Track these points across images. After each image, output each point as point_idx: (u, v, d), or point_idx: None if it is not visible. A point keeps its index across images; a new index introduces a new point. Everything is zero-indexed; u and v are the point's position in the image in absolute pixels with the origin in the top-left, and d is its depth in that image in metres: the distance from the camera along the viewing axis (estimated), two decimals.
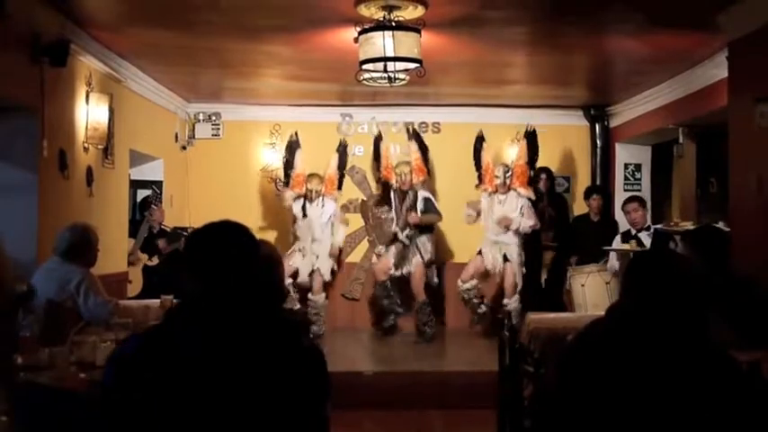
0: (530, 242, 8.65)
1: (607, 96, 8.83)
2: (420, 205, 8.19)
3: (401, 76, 5.78)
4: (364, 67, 5.49)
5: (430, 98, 8.75)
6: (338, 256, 8.76)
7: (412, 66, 5.48)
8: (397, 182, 8.34)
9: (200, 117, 9.25)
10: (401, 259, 8.24)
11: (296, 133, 8.49)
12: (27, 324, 3.90)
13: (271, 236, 8.75)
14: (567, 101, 9.01)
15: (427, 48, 5.52)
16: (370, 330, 8.70)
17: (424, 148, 8.63)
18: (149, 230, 7.47)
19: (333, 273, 8.51)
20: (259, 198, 9.29)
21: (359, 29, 5.31)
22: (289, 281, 7.87)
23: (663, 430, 2.05)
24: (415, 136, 8.72)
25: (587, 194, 8.47)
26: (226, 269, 2.07)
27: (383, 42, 5.21)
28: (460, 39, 6.02)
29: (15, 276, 4.10)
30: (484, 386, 5.43)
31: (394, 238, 8.36)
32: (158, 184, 8.26)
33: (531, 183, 8.61)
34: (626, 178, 9.35)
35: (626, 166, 9.36)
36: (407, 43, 5.27)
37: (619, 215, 8.91)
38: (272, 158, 9.30)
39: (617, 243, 7.26)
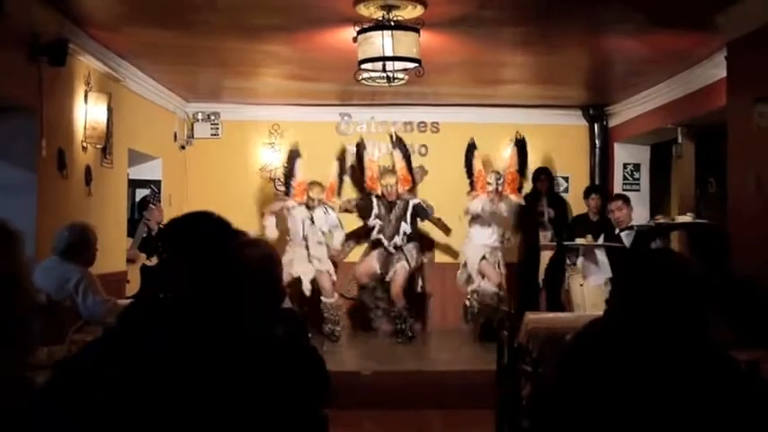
0: (528, 242, 8.67)
1: (606, 96, 8.82)
2: (410, 215, 8.19)
3: (400, 75, 5.79)
4: (363, 66, 5.48)
5: (429, 98, 8.74)
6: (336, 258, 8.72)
7: (411, 65, 5.48)
8: (383, 193, 8.26)
9: (199, 117, 9.24)
10: (386, 263, 8.20)
11: (296, 143, 8.38)
12: None
13: None
14: (566, 101, 9.00)
15: (426, 47, 5.52)
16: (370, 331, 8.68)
17: (407, 156, 8.65)
18: (148, 230, 7.46)
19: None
20: (258, 198, 9.27)
21: (358, 28, 5.30)
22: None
23: (661, 430, 2.04)
24: (399, 144, 8.68)
25: (586, 194, 8.44)
26: (198, 258, 2.01)
27: (382, 42, 5.20)
28: (460, 38, 6.02)
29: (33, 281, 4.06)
30: (482, 386, 5.43)
31: (377, 244, 8.31)
32: (157, 183, 8.26)
33: (532, 182, 8.68)
34: (625, 178, 9.34)
35: (625, 165, 9.36)
36: (406, 43, 5.26)
37: None
38: (271, 158, 9.29)
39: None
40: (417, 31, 5.30)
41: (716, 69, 6.23)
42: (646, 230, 6.79)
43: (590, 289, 7.38)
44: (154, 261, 7.35)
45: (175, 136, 8.90)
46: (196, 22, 5.71)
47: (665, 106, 7.81)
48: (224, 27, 5.81)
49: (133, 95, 7.31)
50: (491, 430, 4.77)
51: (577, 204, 9.09)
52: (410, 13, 5.23)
